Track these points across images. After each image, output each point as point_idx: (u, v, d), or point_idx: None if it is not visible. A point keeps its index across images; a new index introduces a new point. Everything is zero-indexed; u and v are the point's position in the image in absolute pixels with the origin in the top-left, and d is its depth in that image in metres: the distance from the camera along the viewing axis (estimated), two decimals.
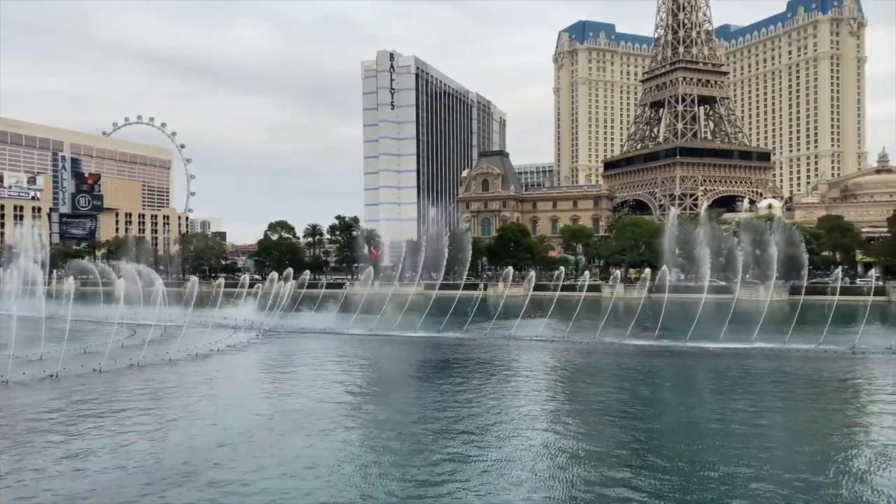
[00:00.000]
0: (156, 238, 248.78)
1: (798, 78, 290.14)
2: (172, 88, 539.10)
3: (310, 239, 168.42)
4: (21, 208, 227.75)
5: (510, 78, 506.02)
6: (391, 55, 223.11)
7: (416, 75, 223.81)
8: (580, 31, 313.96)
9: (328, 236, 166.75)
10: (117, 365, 41.43)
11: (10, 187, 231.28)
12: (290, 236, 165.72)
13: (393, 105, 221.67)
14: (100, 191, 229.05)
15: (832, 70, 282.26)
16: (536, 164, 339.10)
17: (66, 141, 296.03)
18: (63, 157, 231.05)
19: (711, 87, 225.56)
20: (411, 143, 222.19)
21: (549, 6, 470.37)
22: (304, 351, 51.18)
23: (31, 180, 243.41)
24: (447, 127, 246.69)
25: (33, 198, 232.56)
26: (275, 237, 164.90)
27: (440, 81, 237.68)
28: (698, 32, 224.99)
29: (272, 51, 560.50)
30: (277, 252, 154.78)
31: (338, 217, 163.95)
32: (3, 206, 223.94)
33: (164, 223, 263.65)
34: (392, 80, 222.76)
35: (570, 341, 53.12)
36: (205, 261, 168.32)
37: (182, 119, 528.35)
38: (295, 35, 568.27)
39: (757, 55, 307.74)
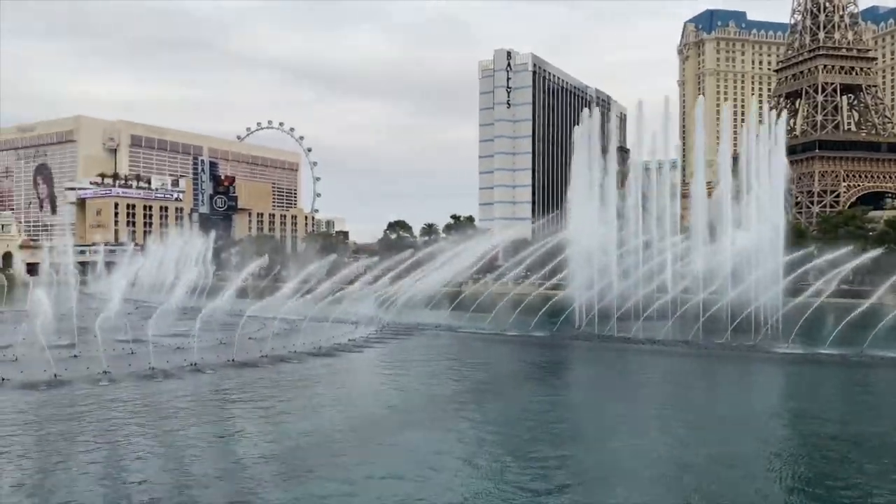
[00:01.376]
0: (284, 236, 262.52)
1: None
2: (299, 95, 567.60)
3: (426, 238, 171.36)
4: (166, 209, 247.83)
5: (632, 73, 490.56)
6: (508, 53, 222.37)
7: (534, 73, 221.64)
8: (707, 21, 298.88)
9: (444, 235, 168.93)
10: (249, 356, 43.89)
11: (156, 189, 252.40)
12: (409, 235, 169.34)
13: (509, 104, 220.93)
14: (234, 192, 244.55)
15: None
16: (661, 158, 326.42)
17: (204, 146, 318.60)
18: (202, 161, 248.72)
19: (856, 74, 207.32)
20: (527, 141, 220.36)
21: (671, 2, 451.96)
22: (419, 347, 52.09)
23: (175, 183, 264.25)
24: (565, 123, 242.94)
25: (177, 199, 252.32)
26: (394, 236, 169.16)
27: (558, 78, 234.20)
28: (841, 16, 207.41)
29: (387, 54, 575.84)
30: (397, 250, 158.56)
31: (453, 216, 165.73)
32: (151, 207, 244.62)
33: (292, 223, 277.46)
34: (509, 78, 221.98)
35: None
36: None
37: (307, 124, 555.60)
38: (408, 38, 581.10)
39: None
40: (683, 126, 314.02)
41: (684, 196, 79.99)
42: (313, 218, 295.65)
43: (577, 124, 67.39)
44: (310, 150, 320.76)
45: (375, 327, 61.29)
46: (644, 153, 67.86)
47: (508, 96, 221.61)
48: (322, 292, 57.10)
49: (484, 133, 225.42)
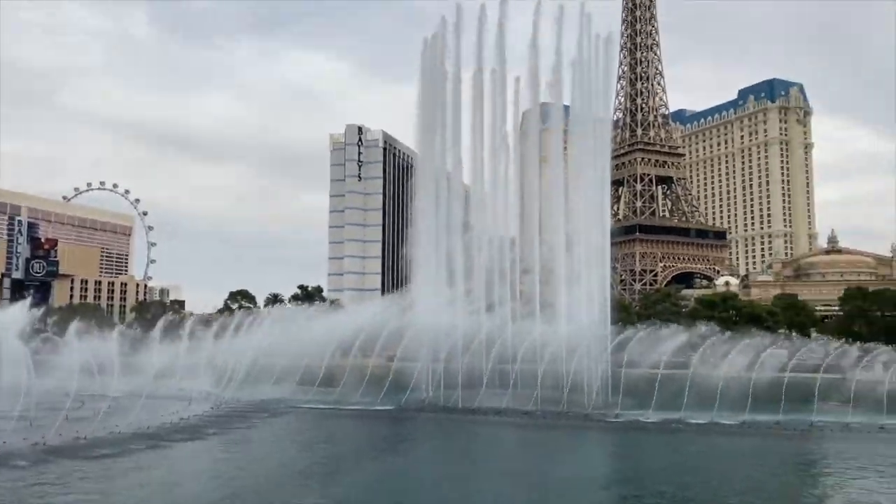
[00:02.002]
0: (112, 306, 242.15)
1: (750, 161, 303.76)
2: (136, 155, 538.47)
3: (271, 308, 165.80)
4: None
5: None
6: (360, 129, 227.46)
7: (384, 149, 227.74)
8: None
9: (289, 305, 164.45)
10: (63, 439, 39.35)
11: None
12: (251, 305, 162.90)
13: (360, 177, 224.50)
14: (56, 256, 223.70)
15: (782, 155, 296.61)
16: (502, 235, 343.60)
17: (24, 205, 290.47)
18: (20, 222, 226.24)
19: (668, 167, 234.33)
20: (377, 213, 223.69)
21: None
22: (262, 426, 49.63)
23: None
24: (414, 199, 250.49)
25: None
26: (235, 306, 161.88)
27: (407, 156, 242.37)
28: (655, 116, 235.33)
29: (238, 121, 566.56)
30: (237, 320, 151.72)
31: (300, 286, 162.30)
32: None
33: (121, 291, 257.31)
34: (360, 153, 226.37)
35: None
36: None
37: (145, 187, 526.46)
38: (261, 106, 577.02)
39: (711, 139, 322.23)
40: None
41: (525, 272, 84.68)
42: (146, 286, 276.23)
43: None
44: (145, 213, 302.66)
45: (211, 404, 57.37)
46: (486, 229, 71.45)
47: (359, 170, 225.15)
48: (150, 365, 52.94)
49: (335, 204, 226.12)
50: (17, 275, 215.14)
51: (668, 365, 65.23)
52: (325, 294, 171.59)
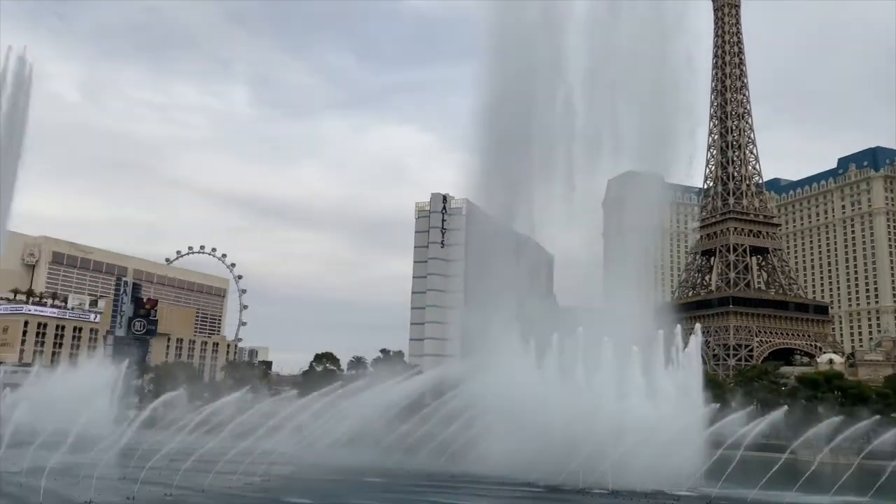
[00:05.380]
0: (203, 364, 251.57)
1: (853, 232, 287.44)
2: (233, 222, 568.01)
3: (353, 371, 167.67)
4: (80, 329, 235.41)
5: (556, 220, 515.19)
6: (444, 197, 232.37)
7: (468, 216, 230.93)
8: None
9: (372, 369, 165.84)
10: (150, 495, 40.22)
11: (72, 309, 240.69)
12: (335, 367, 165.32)
13: (443, 244, 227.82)
14: (155, 316, 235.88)
15: (889, 225, 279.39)
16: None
17: (130, 267, 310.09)
18: (125, 283, 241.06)
19: (763, 237, 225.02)
20: (459, 280, 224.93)
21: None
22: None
23: (93, 303, 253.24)
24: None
25: (93, 320, 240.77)
26: (319, 368, 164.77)
27: (491, 223, 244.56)
28: (748, 185, 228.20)
29: (328, 190, 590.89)
30: (323, 383, 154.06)
31: (382, 350, 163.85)
32: (64, 327, 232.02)
33: (213, 350, 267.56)
34: (444, 220, 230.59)
35: None
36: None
37: (239, 251, 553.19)
38: (350, 177, 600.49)
39: (809, 209, 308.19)
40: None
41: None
42: (236, 346, 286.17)
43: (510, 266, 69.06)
44: (240, 277, 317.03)
45: (294, 467, 56.86)
46: (570, 300, 69.76)
47: (443, 237, 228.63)
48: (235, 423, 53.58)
49: (418, 270, 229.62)
50: (120, 332, 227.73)
51: (764, 447, 60.77)
52: (406, 359, 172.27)
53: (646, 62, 67.37)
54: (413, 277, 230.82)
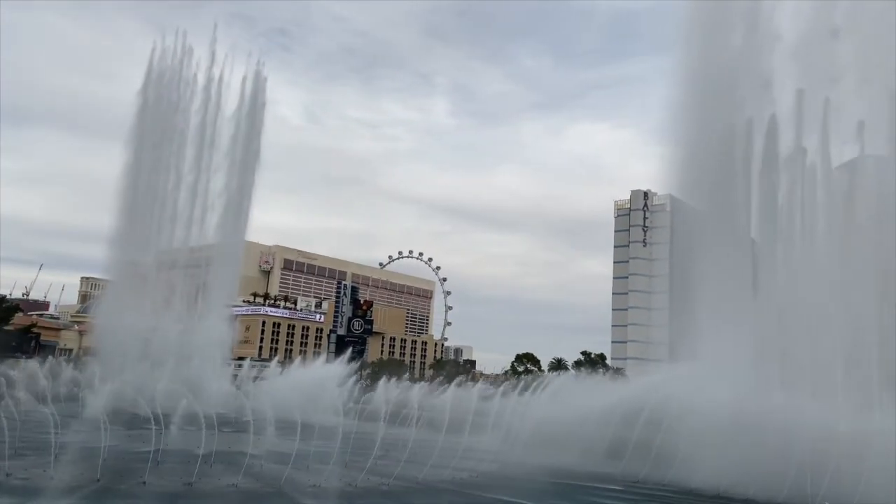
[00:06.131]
0: (413, 362, 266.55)
1: None
2: (437, 227, 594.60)
3: (555, 372, 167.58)
4: (307, 328, 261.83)
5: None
6: (645, 194, 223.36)
7: (671, 213, 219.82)
8: None
9: (573, 371, 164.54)
10: (369, 483, 43.46)
11: (301, 310, 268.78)
12: (536, 368, 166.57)
13: (646, 242, 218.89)
14: (371, 316, 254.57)
15: None
16: None
17: (348, 271, 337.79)
18: (345, 286, 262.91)
19: None
20: (664, 279, 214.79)
21: None
22: None
23: (318, 304, 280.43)
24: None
25: (318, 320, 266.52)
26: (521, 368, 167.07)
27: (698, 218, 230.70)
28: None
29: (526, 193, 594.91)
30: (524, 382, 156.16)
31: (583, 352, 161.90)
32: (294, 327, 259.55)
33: (422, 348, 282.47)
34: (645, 217, 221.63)
35: None
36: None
37: (443, 255, 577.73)
38: (547, 178, 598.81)
39: None
40: None
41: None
42: (442, 345, 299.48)
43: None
44: (445, 279, 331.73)
45: (498, 464, 57.82)
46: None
47: (645, 235, 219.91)
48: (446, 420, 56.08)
49: (618, 270, 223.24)
50: (341, 331, 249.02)
51: None
52: (608, 362, 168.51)
53: None
54: (613, 278, 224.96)
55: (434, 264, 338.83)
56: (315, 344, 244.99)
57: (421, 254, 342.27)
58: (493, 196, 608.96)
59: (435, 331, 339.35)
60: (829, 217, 64.02)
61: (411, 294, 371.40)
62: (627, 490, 50.36)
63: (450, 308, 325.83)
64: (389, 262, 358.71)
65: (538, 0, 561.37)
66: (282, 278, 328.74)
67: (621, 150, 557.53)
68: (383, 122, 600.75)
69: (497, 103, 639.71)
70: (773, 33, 63.76)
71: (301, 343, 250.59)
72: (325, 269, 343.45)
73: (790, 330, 55.93)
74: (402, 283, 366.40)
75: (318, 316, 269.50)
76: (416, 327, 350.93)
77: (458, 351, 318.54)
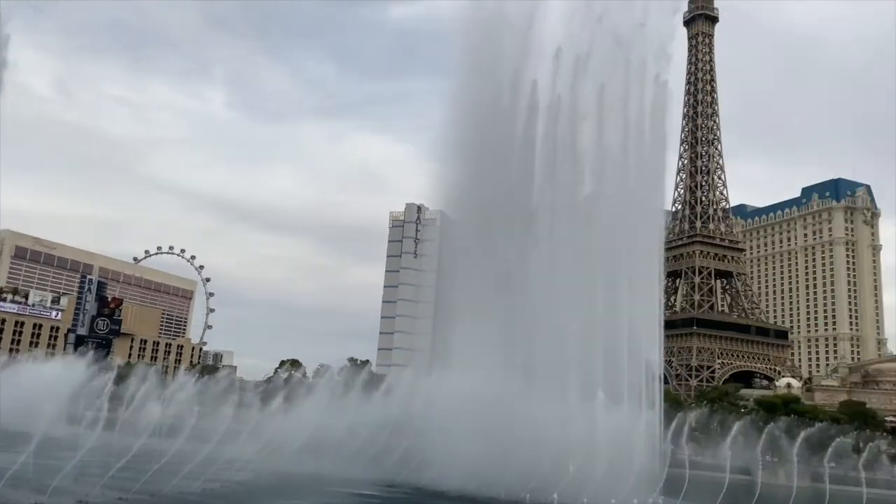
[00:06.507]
0: (167, 367, 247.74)
1: (814, 260, 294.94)
2: (204, 224, 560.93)
3: (319, 379, 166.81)
4: (40, 327, 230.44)
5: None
6: (419, 207, 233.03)
7: (441, 228, 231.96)
8: None
9: (338, 378, 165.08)
10: (104, 498, 39.86)
11: (33, 305, 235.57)
12: (300, 374, 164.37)
13: (416, 254, 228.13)
14: (119, 315, 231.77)
15: (848, 255, 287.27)
16: None
17: (96, 265, 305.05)
18: (90, 280, 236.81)
19: (728, 261, 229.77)
20: (430, 290, 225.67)
21: None
22: None
23: (56, 300, 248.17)
24: None
25: (55, 317, 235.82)
26: (284, 375, 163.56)
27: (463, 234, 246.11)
28: (715, 210, 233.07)
29: (301, 195, 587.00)
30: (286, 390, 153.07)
31: (350, 359, 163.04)
32: (23, 324, 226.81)
33: (177, 352, 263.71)
34: (417, 230, 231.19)
35: None
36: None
37: (207, 253, 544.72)
38: (325, 184, 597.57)
39: (773, 235, 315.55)
40: None
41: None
42: (201, 349, 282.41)
43: None
44: (208, 279, 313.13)
45: (253, 473, 56.33)
46: None
47: (416, 247, 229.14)
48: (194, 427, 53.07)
49: (389, 279, 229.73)
50: (82, 331, 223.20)
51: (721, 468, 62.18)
52: (373, 368, 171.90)
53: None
54: (384, 287, 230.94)
55: (197, 263, 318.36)
56: (49, 344, 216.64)
57: (183, 250, 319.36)
58: (268, 196, 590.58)
59: (194, 334, 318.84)
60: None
61: (169, 293, 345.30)
62: (376, 495, 52.24)
63: (212, 310, 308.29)
64: (146, 258, 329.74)
65: (327, 3, 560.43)
66: (12, 268, 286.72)
67: (399, 162, 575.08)
68: (148, 105, 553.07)
69: (278, 102, 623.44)
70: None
71: (32, 343, 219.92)
72: (66, 260, 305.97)
73: (533, 337, 62.56)
74: (159, 280, 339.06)
75: (54, 313, 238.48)
76: (173, 329, 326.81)
77: (217, 356, 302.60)
